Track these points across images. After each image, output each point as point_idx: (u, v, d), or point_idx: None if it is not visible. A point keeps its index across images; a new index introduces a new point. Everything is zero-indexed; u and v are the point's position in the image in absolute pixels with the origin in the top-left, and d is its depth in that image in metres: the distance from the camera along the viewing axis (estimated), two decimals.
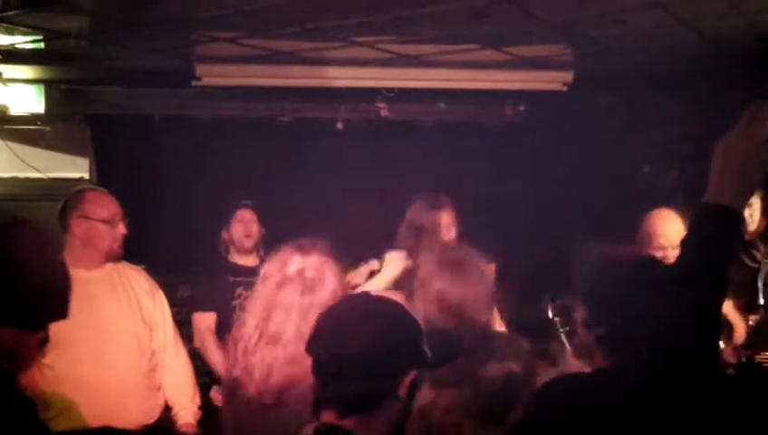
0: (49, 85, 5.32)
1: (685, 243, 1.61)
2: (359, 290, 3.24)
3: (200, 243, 4.92)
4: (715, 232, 1.58)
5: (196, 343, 4.42)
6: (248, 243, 4.65)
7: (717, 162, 1.63)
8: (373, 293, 2.03)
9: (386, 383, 1.80)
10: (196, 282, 4.80)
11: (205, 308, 4.52)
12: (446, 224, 4.10)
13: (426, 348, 1.89)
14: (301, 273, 2.61)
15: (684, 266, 1.60)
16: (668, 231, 4.18)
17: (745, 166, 1.61)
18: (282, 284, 2.61)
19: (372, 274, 3.60)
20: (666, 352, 1.55)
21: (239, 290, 4.44)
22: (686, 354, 1.54)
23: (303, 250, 2.67)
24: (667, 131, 5.98)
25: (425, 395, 2.27)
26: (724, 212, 1.58)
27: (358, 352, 1.78)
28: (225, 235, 4.73)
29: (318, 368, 1.83)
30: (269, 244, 4.68)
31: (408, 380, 1.83)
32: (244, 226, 4.66)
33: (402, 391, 1.82)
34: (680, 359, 1.54)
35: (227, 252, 4.74)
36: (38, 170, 5.70)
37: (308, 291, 2.57)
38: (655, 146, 6.14)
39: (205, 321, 4.46)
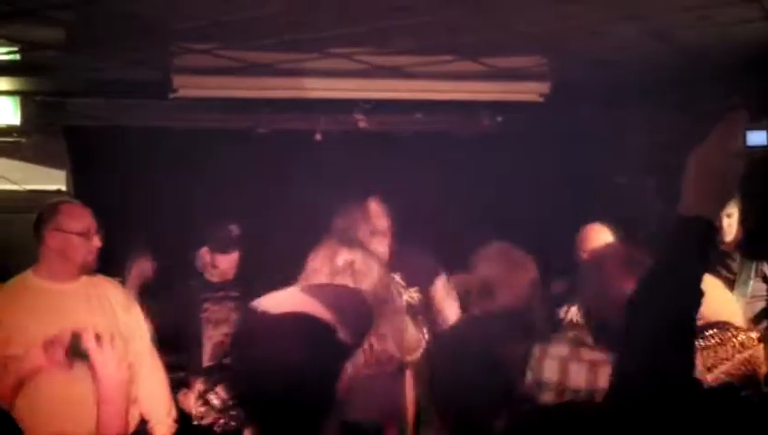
0: (25, 97, 5.29)
1: (658, 255, 1.61)
2: None
3: (178, 255, 4.90)
4: (689, 244, 1.58)
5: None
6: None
7: (690, 174, 1.63)
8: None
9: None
10: (163, 293, 4.72)
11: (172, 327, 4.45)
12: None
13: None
14: (350, 265, 2.72)
15: (657, 278, 1.60)
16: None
17: (718, 178, 1.61)
18: (332, 276, 2.70)
19: None
20: (642, 368, 1.54)
21: (207, 305, 4.48)
22: (663, 369, 1.53)
23: (349, 244, 2.84)
24: (643, 141, 6.03)
25: None
26: (697, 224, 1.58)
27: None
28: (204, 256, 4.69)
29: None
30: (247, 256, 4.70)
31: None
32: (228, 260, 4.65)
33: None
34: (657, 374, 1.53)
35: (202, 269, 4.72)
36: (14, 182, 5.67)
37: (358, 282, 2.65)
38: (631, 156, 6.19)
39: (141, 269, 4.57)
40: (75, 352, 2.38)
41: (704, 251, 1.58)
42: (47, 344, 2.41)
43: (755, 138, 1.67)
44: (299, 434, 1.59)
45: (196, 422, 3.71)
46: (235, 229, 4.69)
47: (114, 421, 2.32)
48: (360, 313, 1.78)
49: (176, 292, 4.62)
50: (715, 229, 1.60)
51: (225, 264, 4.62)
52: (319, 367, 1.59)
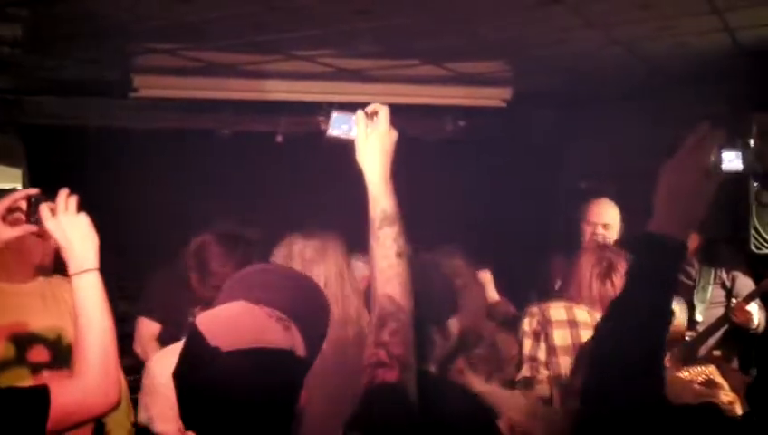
0: None
1: (629, 273, 1.60)
2: None
3: (134, 256, 4.84)
4: (659, 263, 1.57)
5: (136, 348, 4.34)
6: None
7: (661, 192, 1.63)
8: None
9: None
10: (148, 286, 4.57)
11: (152, 316, 4.38)
12: None
13: None
14: (302, 253, 2.90)
15: (627, 297, 1.59)
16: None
17: (689, 197, 1.62)
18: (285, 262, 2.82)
19: None
20: (613, 385, 1.53)
21: (197, 309, 4.34)
22: (634, 387, 1.52)
23: (306, 234, 3.00)
24: (604, 148, 6.08)
25: None
26: (667, 243, 1.58)
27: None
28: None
29: None
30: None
31: None
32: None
33: None
34: (628, 392, 1.52)
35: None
36: None
37: (307, 270, 2.69)
38: (592, 162, 6.23)
39: (149, 329, 4.35)
40: (33, 216, 2.26)
41: (673, 270, 1.58)
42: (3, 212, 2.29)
43: (731, 164, 1.68)
44: None
45: None
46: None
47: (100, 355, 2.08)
48: (316, 312, 1.75)
49: (166, 293, 4.38)
50: (685, 248, 1.60)
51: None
52: (275, 397, 1.53)
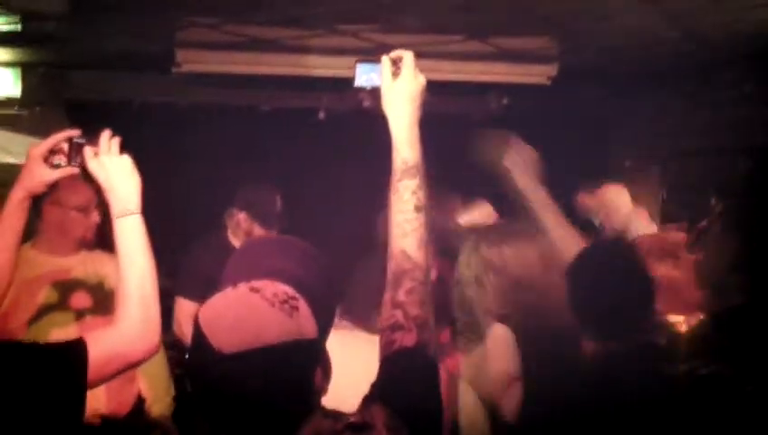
0: (26, 68, 5.24)
1: None
2: None
3: (180, 232, 4.83)
4: None
5: (176, 330, 4.31)
6: None
7: None
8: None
9: None
10: (188, 264, 4.48)
11: (191, 296, 4.27)
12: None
13: None
14: None
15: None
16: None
17: None
18: None
19: None
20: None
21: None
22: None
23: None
24: (650, 127, 5.98)
25: None
26: None
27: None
28: (242, 222, 4.43)
29: None
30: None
31: None
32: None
33: None
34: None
35: (232, 233, 4.48)
36: (14, 155, 5.61)
37: None
38: (637, 141, 6.14)
39: (188, 310, 4.29)
40: (75, 158, 2.23)
41: None
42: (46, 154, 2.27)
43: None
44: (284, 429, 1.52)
45: None
46: (279, 203, 4.51)
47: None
48: (324, 280, 1.71)
49: (202, 261, 4.28)
50: None
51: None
52: (286, 387, 1.50)
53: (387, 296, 1.83)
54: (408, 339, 1.74)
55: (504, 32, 4.51)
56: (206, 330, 1.52)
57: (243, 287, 1.58)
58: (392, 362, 1.72)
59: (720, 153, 5.18)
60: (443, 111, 6.12)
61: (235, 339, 1.49)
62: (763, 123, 5.25)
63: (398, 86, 2.03)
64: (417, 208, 1.90)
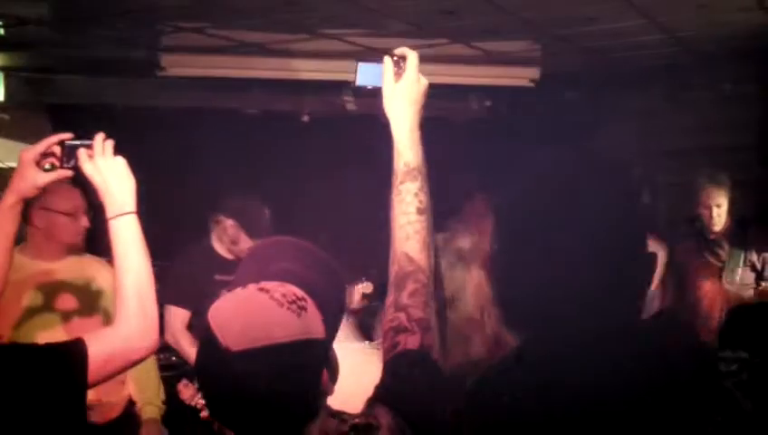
0: (9, 73, 5.22)
1: None
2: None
3: (161, 237, 4.81)
4: None
5: (167, 338, 4.29)
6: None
7: None
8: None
9: None
10: (176, 270, 4.41)
11: (181, 304, 4.24)
12: None
13: None
14: None
15: None
16: None
17: None
18: None
19: (364, 296, 3.66)
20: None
21: (223, 291, 4.21)
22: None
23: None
24: (631, 128, 6.03)
25: None
26: None
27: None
28: (229, 229, 4.36)
29: None
30: None
31: None
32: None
33: None
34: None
35: (217, 240, 4.43)
36: None
37: None
38: (618, 142, 6.19)
39: (179, 317, 4.23)
40: (68, 161, 2.23)
41: None
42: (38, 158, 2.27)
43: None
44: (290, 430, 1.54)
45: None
46: (267, 213, 4.47)
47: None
48: (333, 283, 1.72)
49: (193, 276, 4.27)
50: None
51: (247, 245, 4.36)
52: (293, 388, 1.51)
53: (390, 299, 1.84)
54: (411, 341, 1.75)
55: (489, 36, 4.54)
56: (215, 329, 1.53)
57: (252, 288, 1.59)
58: (396, 364, 1.73)
59: (702, 153, 5.23)
60: (426, 114, 6.16)
61: (243, 337, 1.50)
62: (743, 123, 5.33)
63: (400, 88, 1.98)
64: (420, 211, 1.90)
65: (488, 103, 6.14)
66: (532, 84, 5.23)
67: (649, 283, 1.54)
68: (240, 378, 1.48)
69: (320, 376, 1.56)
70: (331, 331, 1.61)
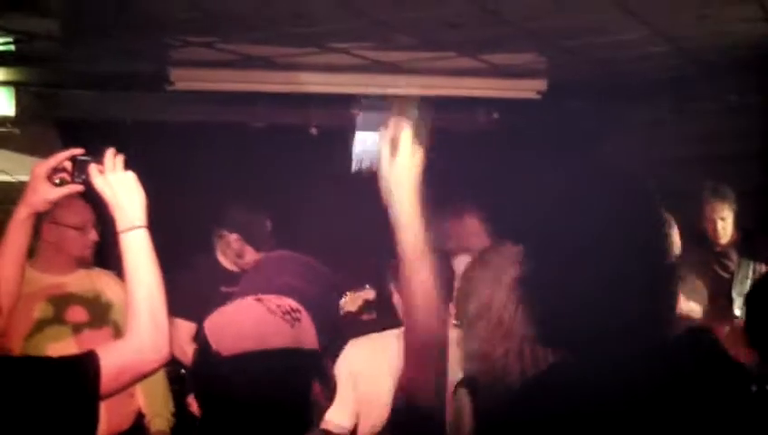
0: (19, 88, 5.26)
1: None
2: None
3: (171, 251, 4.83)
4: None
5: (174, 350, 4.27)
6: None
7: None
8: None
9: None
10: (182, 283, 4.26)
11: (188, 316, 4.14)
12: None
13: None
14: None
15: None
16: None
17: None
18: None
19: (366, 302, 3.65)
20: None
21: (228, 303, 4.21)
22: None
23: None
24: (638, 139, 6.04)
25: None
26: None
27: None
28: (233, 243, 4.42)
29: None
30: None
31: None
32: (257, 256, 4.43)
33: None
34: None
35: (222, 253, 4.49)
36: (7, 173, 5.63)
37: None
38: (626, 153, 6.20)
39: (185, 330, 4.28)
40: (79, 176, 2.25)
41: None
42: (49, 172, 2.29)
43: None
44: None
45: None
46: (269, 225, 4.48)
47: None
48: (329, 299, 1.76)
49: (199, 289, 4.25)
50: None
51: (252, 258, 4.31)
52: (284, 395, 1.55)
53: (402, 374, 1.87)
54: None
55: (494, 48, 4.56)
56: (209, 335, 1.58)
57: (249, 299, 1.63)
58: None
59: (707, 163, 5.24)
60: (433, 126, 6.18)
61: (234, 342, 1.55)
62: (747, 133, 5.33)
63: (397, 166, 1.89)
64: (435, 286, 1.87)
65: (496, 115, 6.15)
66: (538, 96, 5.25)
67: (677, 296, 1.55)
68: (230, 381, 1.52)
69: (309, 386, 1.60)
70: (326, 346, 1.65)
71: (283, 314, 1.59)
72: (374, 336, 3.19)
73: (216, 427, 1.58)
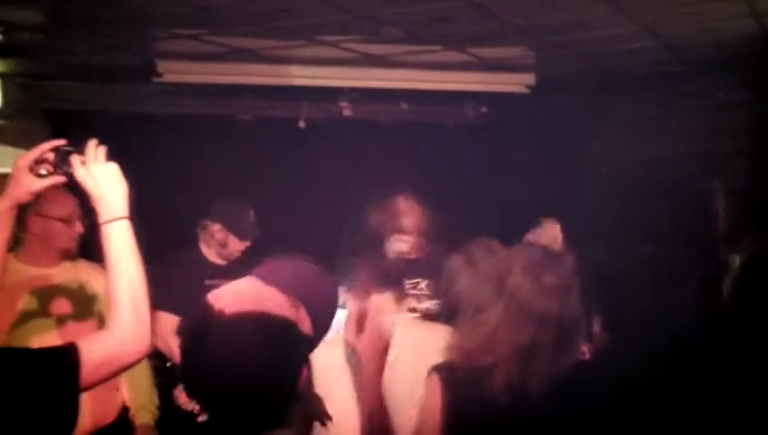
0: (6, 79, 5.23)
1: None
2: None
3: (155, 242, 4.82)
4: None
5: (159, 344, 4.28)
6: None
7: None
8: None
9: None
10: (166, 276, 4.29)
11: (171, 309, 4.09)
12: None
13: None
14: None
15: None
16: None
17: None
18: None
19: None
20: None
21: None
22: None
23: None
24: (625, 134, 6.06)
25: None
26: None
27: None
28: (217, 234, 4.41)
29: None
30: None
31: None
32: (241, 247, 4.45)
33: None
34: None
35: (206, 244, 4.48)
36: None
37: None
38: (613, 148, 6.21)
39: (170, 324, 4.27)
40: (62, 167, 2.25)
41: None
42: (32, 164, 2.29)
43: None
44: (259, 426, 1.58)
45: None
46: (252, 215, 4.49)
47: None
48: (326, 304, 1.77)
49: (184, 282, 4.21)
50: None
51: (236, 248, 4.40)
52: (276, 366, 1.55)
53: None
54: None
55: (483, 42, 4.56)
56: (211, 299, 1.61)
57: (253, 277, 1.68)
58: None
59: (695, 159, 5.26)
60: (421, 120, 6.18)
61: (239, 302, 1.57)
62: (736, 130, 5.35)
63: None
64: None
65: (484, 109, 6.16)
66: (527, 90, 5.25)
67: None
68: (226, 337, 1.53)
69: (301, 367, 1.60)
70: (316, 339, 1.67)
71: (287, 296, 1.62)
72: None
73: (202, 396, 1.60)
